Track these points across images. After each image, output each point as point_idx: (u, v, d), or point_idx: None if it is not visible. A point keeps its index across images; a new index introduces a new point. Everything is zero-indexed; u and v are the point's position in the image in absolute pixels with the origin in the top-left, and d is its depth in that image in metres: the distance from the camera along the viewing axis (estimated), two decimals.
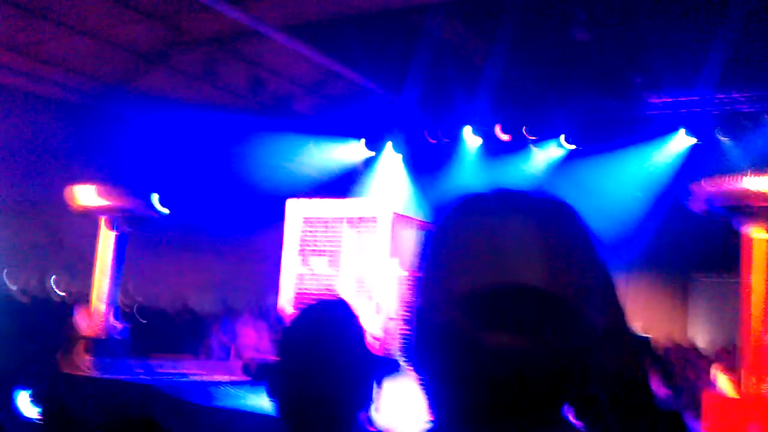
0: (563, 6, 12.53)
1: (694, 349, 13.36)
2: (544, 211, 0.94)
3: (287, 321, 2.06)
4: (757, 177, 8.60)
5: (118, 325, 11.55)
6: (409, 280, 1.00)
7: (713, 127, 14.00)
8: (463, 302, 0.88)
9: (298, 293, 10.59)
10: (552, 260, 0.89)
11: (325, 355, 1.95)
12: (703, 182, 11.06)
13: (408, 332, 0.98)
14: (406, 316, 0.99)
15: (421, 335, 0.95)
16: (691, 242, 13.26)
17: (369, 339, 2.12)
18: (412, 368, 0.97)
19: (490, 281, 0.88)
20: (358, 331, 2.06)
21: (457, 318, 0.89)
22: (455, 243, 0.93)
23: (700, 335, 14.40)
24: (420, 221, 10.74)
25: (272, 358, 2.13)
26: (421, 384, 0.96)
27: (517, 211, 0.93)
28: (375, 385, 2.10)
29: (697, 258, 13.98)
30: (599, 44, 12.98)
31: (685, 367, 12.43)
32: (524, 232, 0.91)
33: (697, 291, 14.96)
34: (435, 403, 0.95)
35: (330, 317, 2.05)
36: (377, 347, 9.16)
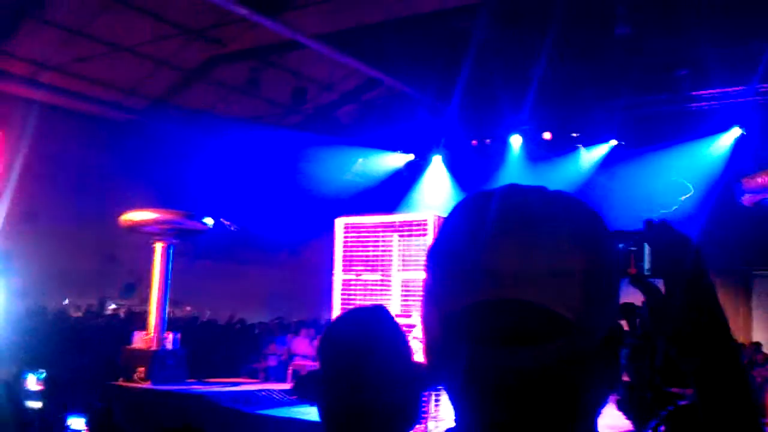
0: (604, 2, 12.37)
1: (758, 347, 13.03)
2: (558, 216, 0.87)
3: (327, 326, 2.00)
4: None
5: (171, 338, 11.71)
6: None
7: (762, 119, 13.66)
8: (457, 314, 0.84)
9: (347, 303, 10.65)
10: (556, 271, 0.83)
11: (363, 364, 1.90)
12: (754, 176, 10.81)
13: (431, 346, 0.93)
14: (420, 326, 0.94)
15: (429, 345, 0.92)
16: (747, 238, 12.94)
17: (413, 345, 2.03)
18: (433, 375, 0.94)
19: (483, 294, 0.83)
20: (401, 338, 2.00)
21: (451, 330, 0.85)
22: (455, 249, 0.87)
23: (764, 332, 14.02)
24: None
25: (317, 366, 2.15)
26: (445, 389, 0.92)
27: (526, 215, 0.86)
28: (420, 396, 2.03)
29: (755, 254, 13.63)
30: (642, 39, 12.78)
31: (749, 365, 12.14)
32: (528, 238, 0.84)
33: (759, 287, 14.55)
34: (455, 410, 0.92)
35: (369, 323, 1.99)
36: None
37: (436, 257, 0.89)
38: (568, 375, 0.85)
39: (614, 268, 0.90)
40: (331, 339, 1.99)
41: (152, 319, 11.67)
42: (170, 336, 11.67)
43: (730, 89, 13.30)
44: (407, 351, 2.02)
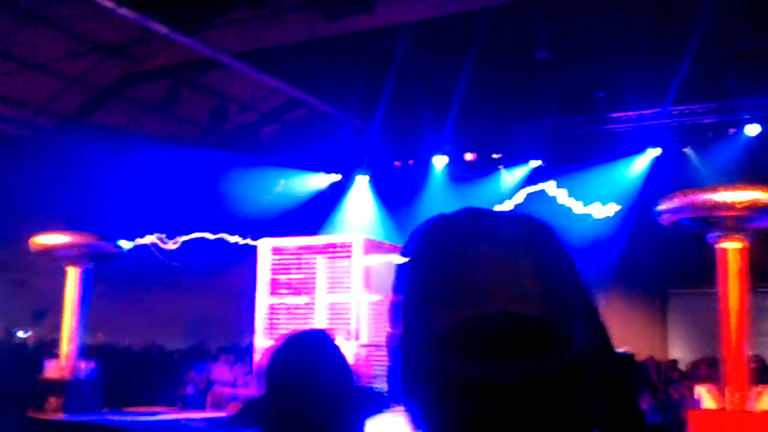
0: (525, 27, 12.58)
1: (674, 365, 13.34)
2: (520, 231, 0.90)
3: (268, 353, 2.01)
4: (726, 189, 8.60)
5: (86, 366, 11.24)
6: (387, 308, 0.93)
7: (678, 141, 14.12)
8: (445, 334, 0.84)
9: (271, 327, 10.48)
10: (533, 283, 0.86)
11: (311, 389, 1.90)
12: (672, 196, 11.10)
13: (391, 363, 0.93)
14: (388, 347, 0.94)
15: (406, 368, 0.90)
16: (664, 256, 13.29)
17: (354, 370, 2.08)
18: (397, 400, 0.93)
19: (471, 311, 0.83)
20: (343, 363, 2.02)
21: (440, 351, 0.84)
22: (431, 271, 0.88)
23: (679, 350, 14.40)
24: (391, 246, 10.72)
25: (253, 394, 2.11)
26: (409, 416, 0.91)
27: (492, 232, 0.89)
28: (365, 420, 2.06)
29: (671, 272, 14.00)
30: (562, 63, 13.05)
31: (666, 383, 12.40)
32: (502, 255, 0.87)
33: (674, 305, 14.95)
34: None
35: (312, 348, 2.01)
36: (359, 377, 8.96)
37: (414, 280, 0.89)
38: (559, 391, 0.85)
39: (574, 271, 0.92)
40: (275, 365, 1.98)
41: (65, 346, 11.17)
42: (84, 364, 11.20)
43: (647, 112, 13.71)
44: (351, 376, 2.03)
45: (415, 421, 0.90)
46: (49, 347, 12.25)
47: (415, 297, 0.88)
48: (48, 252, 11.28)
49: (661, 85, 12.86)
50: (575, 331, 0.87)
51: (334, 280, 10.37)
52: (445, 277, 0.86)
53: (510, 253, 0.87)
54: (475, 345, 0.83)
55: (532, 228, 0.91)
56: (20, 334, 13.92)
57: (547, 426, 0.86)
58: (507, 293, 0.84)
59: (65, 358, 11.11)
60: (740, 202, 8.43)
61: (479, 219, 0.91)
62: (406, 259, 0.92)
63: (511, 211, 1.04)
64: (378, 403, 2.19)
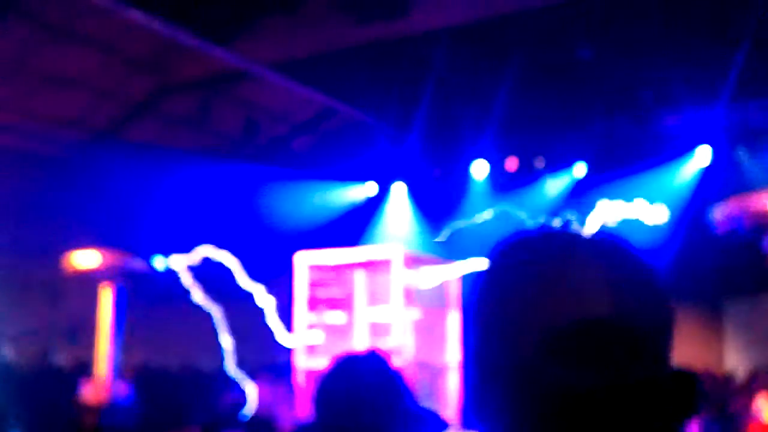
0: (566, 27, 12.23)
1: (731, 376, 12.90)
2: (605, 248, 0.95)
3: (319, 377, 2.03)
4: None
5: (123, 390, 11.03)
6: (464, 327, 0.70)
7: (731, 143, 13.64)
8: (539, 343, 0.87)
9: (309, 346, 10.27)
10: (623, 294, 0.90)
11: (362, 416, 1.86)
12: (726, 202, 10.62)
13: (470, 382, 0.97)
14: (466, 366, 0.97)
15: (491, 383, 0.92)
16: (718, 266, 12.84)
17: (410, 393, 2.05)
18: (477, 419, 0.94)
19: (565, 319, 0.87)
20: (401, 386, 1.99)
21: (536, 360, 0.87)
22: (520, 289, 0.92)
23: (736, 361, 13.92)
24: (432, 258, 10.45)
25: (305, 418, 2.20)
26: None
27: (578, 248, 0.94)
28: None
29: (726, 282, 13.53)
30: (605, 63, 12.67)
31: (723, 395, 11.99)
32: (591, 269, 0.91)
33: (731, 316, 14.44)
34: None
35: (364, 372, 1.97)
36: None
37: (498, 295, 0.93)
38: (644, 403, 0.88)
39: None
40: (326, 390, 1.99)
41: (100, 368, 10.96)
42: (122, 386, 10.99)
43: (698, 113, 13.27)
44: (405, 400, 1.99)
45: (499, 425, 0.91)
46: (85, 368, 12.08)
47: (503, 309, 0.91)
48: (81, 270, 11.12)
49: (713, 82, 12.40)
50: (664, 346, 0.94)
51: (374, 295, 10.06)
52: (536, 289, 0.90)
53: (600, 266, 0.91)
54: (568, 352, 0.86)
55: (613, 245, 0.96)
56: (57, 357, 13.85)
57: None
58: (604, 302, 0.88)
59: (100, 381, 10.92)
60: None
61: (562, 237, 0.97)
62: (490, 276, 0.95)
63: (591, 233, 0.94)
64: (434, 427, 2.27)
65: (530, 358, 0.86)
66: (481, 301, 0.95)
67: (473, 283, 0.97)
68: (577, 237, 0.96)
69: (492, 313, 0.92)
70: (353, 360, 2.11)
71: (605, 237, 0.96)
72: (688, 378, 0.92)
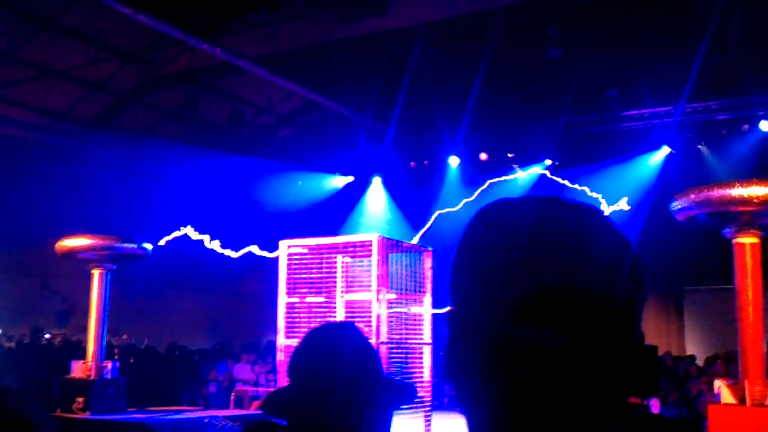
0: (537, 26, 12.66)
1: (691, 360, 13.38)
2: (579, 214, 0.94)
3: (297, 345, 2.00)
4: (742, 184, 8.65)
5: (109, 366, 11.41)
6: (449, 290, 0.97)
7: (692, 138, 14.14)
8: (515, 307, 0.87)
9: (290, 326, 10.58)
10: (595, 260, 0.89)
11: (336, 378, 1.89)
12: (687, 191, 11.16)
13: (449, 347, 0.96)
14: (448, 328, 0.97)
15: (468, 347, 0.93)
16: (679, 253, 13.31)
17: (380, 362, 2.06)
18: (453, 385, 0.95)
19: (537, 282, 0.87)
20: (370, 355, 2.00)
21: (508, 321, 0.87)
22: (495, 250, 0.92)
23: (696, 346, 14.42)
24: (408, 245, 10.83)
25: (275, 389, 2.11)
26: (463, 400, 0.94)
27: (552, 213, 0.93)
28: (391, 411, 2.04)
29: (687, 269, 14.02)
30: (574, 61, 13.10)
31: (684, 378, 12.46)
32: (564, 234, 0.91)
33: (690, 301, 14.95)
34: (480, 421, 0.93)
35: (337, 339, 1.99)
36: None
37: (476, 257, 0.94)
38: (604, 362, 0.88)
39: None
40: (303, 355, 1.98)
41: (90, 347, 11.34)
42: (109, 365, 11.37)
43: (659, 109, 13.73)
44: (379, 368, 2.03)
45: (461, 398, 0.94)
46: (74, 348, 12.44)
47: (479, 274, 0.92)
48: (72, 254, 11.44)
49: (675, 82, 12.89)
50: (633, 313, 0.91)
51: (353, 279, 10.48)
52: (510, 254, 0.89)
53: (570, 232, 0.91)
54: (536, 312, 0.86)
55: (586, 210, 0.95)
56: (47, 336, 14.12)
57: (588, 397, 0.88)
58: (569, 267, 0.87)
59: (90, 359, 11.27)
60: (757, 197, 8.49)
61: (539, 203, 0.95)
62: (468, 242, 0.96)
63: (567, 198, 0.99)
64: (404, 395, 2.11)
65: (502, 319, 0.87)
66: (457, 264, 0.96)
67: (458, 250, 0.97)
68: (552, 203, 0.95)
69: (467, 275, 0.93)
70: (327, 328, 2.08)
71: (580, 204, 0.96)
72: (650, 350, 0.92)
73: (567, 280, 0.87)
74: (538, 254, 0.89)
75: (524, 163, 15.19)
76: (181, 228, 12.92)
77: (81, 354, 11.48)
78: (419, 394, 10.04)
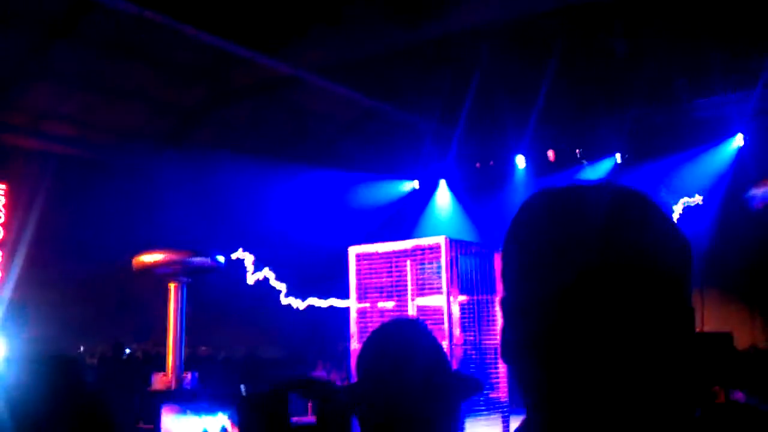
0: (601, 20, 12.50)
1: None
2: (623, 196, 0.94)
3: (366, 340, 2.02)
4: None
5: (188, 377, 11.67)
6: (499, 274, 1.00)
7: (767, 125, 13.73)
8: (570, 289, 0.86)
9: (362, 332, 10.65)
10: (644, 239, 0.89)
11: (403, 373, 1.89)
12: (763, 180, 10.85)
13: (504, 331, 0.96)
14: (502, 314, 0.96)
15: (525, 329, 0.92)
16: (758, 244, 12.92)
17: (446, 355, 2.06)
18: (511, 366, 0.95)
19: (591, 262, 0.86)
20: (437, 349, 2.01)
21: (567, 305, 0.86)
22: (542, 235, 0.92)
23: None
24: (477, 246, 10.78)
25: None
26: (522, 382, 0.94)
27: (599, 198, 0.93)
28: (459, 404, 2.04)
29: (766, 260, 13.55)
30: (640, 53, 12.90)
31: None
32: (611, 216, 0.90)
33: None
34: (539, 401, 0.92)
35: (404, 334, 2.00)
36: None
37: (526, 244, 0.94)
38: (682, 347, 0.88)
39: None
40: (373, 351, 1.99)
41: (170, 359, 11.63)
42: (188, 375, 11.64)
43: (731, 98, 13.37)
44: (446, 362, 2.03)
45: (518, 382, 0.93)
46: (154, 360, 12.74)
47: (533, 259, 0.91)
48: (149, 270, 11.76)
49: (747, 67, 12.56)
50: (685, 287, 0.91)
51: (423, 282, 10.48)
52: (564, 236, 0.90)
53: (615, 215, 0.90)
54: (588, 294, 0.85)
55: (633, 194, 0.95)
56: (128, 351, 14.49)
57: (649, 380, 0.87)
58: (617, 248, 0.87)
59: (170, 370, 11.55)
60: None
61: (584, 189, 0.96)
62: (522, 229, 0.96)
63: (611, 184, 0.99)
64: (471, 387, 2.11)
65: (553, 305, 0.87)
66: (507, 250, 0.97)
67: (508, 237, 0.98)
68: (597, 188, 0.95)
69: (516, 260, 0.94)
70: (391, 324, 2.08)
71: (624, 188, 0.96)
72: (722, 337, 0.99)
73: (613, 260, 0.86)
74: (584, 238, 0.88)
75: (593, 159, 14.98)
76: (239, 250, 13.12)
77: (161, 366, 11.76)
78: (495, 396, 10.00)
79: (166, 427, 7.45)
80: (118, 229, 14.06)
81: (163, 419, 7.47)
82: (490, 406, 9.90)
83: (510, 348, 0.94)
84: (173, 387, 11.38)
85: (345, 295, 11.00)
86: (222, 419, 7.18)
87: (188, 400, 11.22)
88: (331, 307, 12.58)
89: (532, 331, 0.89)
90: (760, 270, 13.91)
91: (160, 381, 11.47)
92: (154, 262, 11.59)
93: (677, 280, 0.90)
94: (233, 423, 6.59)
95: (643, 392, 0.87)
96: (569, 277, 0.86)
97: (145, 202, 14.43)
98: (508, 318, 0.95)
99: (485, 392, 9.65)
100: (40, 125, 13.90)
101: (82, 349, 14.19)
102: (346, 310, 10.87)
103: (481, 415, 9.35)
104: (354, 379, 2.03)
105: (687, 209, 12.79)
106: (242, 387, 11.86)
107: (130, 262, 11.78)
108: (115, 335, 14.32)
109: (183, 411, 7.71)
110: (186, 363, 11.87)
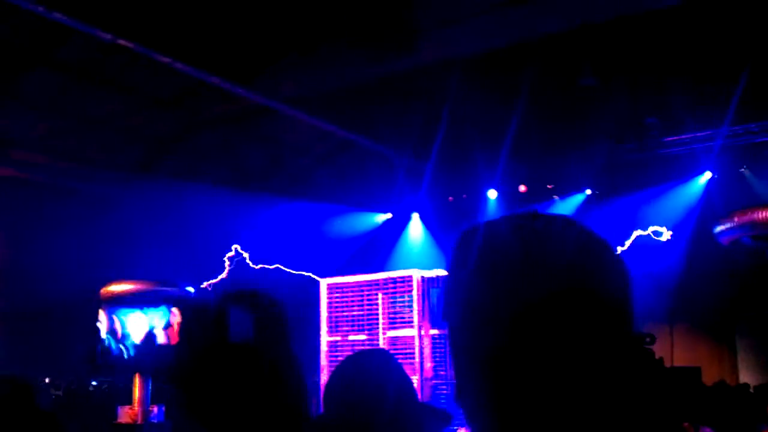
0: (571, 56, 12.65)
1: (745, 388, 13.02)
2: (557, 224, 0.96)
3: (332, 373, 2.00)
4: None
5: (155, 410, 11.49)
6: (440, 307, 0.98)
7: (733, 162, 13.93)
8: (516, 318, 0.87)
9: (333, 365, 10.59)
10: (584, 264, 0.91)
11: (371, 406, 1.86)
12: (731, 215, 10.96)
13: (455, 365, 0.95)
14: (449, 345, 0.96)
15: (472, 362, 0.92)
16: (728, 280, 13.04)
17: (415, 388, 2.03)
18: (461, 402, 0.94)
19: (538, 292, 0.87)
20: (405, 380, 1.99)
21: (514, 334, 0.87)
22: (482, 269, 0.93)
23: (752, 374, 14.00)
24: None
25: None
26: (471, 416, 0.93)
27: (535, 226, 0.95)
28: None
29: (737, 295, 13.69)
30: (610, 90, 13.06)
31: (737, 406, 12.13)
32: (553, 245, 0.92)
33: (743, 329, 14.51)
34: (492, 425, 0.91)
35: (372, 366, 1.98)
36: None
37: (475, 272, 0.94)
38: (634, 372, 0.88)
39: None
40: (335, 383, 1.98)
41: (136, 392, 11.45)
42: (155, 409, 11.46)
43: (700, 134, 13.57)
44: (414, 393, 2.02)
45: (468, 418, 0.92)
46: (121, 393, 12.54)
47: (468, 291, 0.93)
48: (117, 300, 11.62)
49: (714, 106, 12.76)
50: (628, 314, 0.92)
51: (394, 315, 10.47)
52: (508, 265, 0.90)
53: (553, 241, 0.92)
54: (534, 322, 0.85)
55: (566, 221, 0.97)
56: (93, 383, 14.23)
57: (600, 409, 0.86)
58: (559, 275, 0.88)
59: (137, 403, 11.37)
60: None
61: (518, 219, 0.97)
62: (455, 261, 0.98)
63: (552, 214, 1.03)
64: (441, 419, 2.09)
65: (505, 337, 0.86)
66: (449, 286, 0.97)
67: (447, 269, 0.99)
68: (531, 218, 0.96)
69: (460, 295, 0.94)
70: (359, 355, 2.08)
71: (557, 216, 0.97)
72: (691, 372, 0.99)
73: (557, 287, 0.87)
74: (526, 268, 0.89)
75: (564, 194, 15.11)
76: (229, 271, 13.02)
77: (127, 399, 11.58)
78: (465, 431, 9.94)
79: None
80: (86, 258, 13.86)
81: None
82: None
83: (461, 386, 0.93)
84: (139, 421, 11.20)
85: (316, 328, 10.92)
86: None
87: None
88: (301, 338, 12.45)
89: (489, 352, 0.88)
90: (728, 305, 14.04)
91: (126, 414, 11.28)
92: (122, 291, 11.48)
93: (626, 307, 0.92)
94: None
95: (601, 419, 0.86)
96: (535, 297, 0.86)
97: (115, 231, 14.25)
98: (456, 355, 0.94)
99: (454, 426, 9.58)
100: (9, 152, 13.72)
101: (47, 380, 13.92)
102: (317, 342, 10.79)
103: None
104: (322, 409, 2.00)
105: (656, 244, 12.90)
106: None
107: (99, 292, 11.64)
108: (82, 367, 14.07)
109: None
110: (152, 396, 11.69)
